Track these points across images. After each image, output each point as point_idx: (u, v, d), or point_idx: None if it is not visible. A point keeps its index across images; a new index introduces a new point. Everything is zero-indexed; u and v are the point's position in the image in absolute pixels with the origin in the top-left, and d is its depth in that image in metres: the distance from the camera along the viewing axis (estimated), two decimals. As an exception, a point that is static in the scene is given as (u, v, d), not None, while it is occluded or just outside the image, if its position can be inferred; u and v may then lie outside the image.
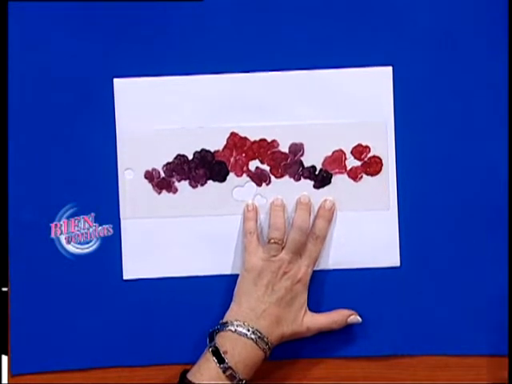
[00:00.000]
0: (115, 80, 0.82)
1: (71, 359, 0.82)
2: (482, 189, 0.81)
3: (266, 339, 0.76)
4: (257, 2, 0.82)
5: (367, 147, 0.82)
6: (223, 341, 0.75)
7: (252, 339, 0.75)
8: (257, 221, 0.81)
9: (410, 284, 0.81)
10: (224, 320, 0.78)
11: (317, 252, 0.80)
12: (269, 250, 0.79)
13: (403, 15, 0.82)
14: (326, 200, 0.81)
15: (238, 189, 0.82)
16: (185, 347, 0.82)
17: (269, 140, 0.82)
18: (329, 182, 0.82)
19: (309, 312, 0.80)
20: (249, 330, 0.76)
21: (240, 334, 0.76)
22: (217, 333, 0.77)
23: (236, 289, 0.79)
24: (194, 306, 0.82)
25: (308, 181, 0.82)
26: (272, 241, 0.79)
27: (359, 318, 0.80)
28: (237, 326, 0.76)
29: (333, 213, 0.81)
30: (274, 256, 0.78)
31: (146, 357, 0.82)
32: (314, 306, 0.81)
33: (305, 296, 0.79)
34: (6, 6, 0.83)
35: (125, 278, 0.82)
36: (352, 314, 0.80)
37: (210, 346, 0.76)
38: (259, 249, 0.79)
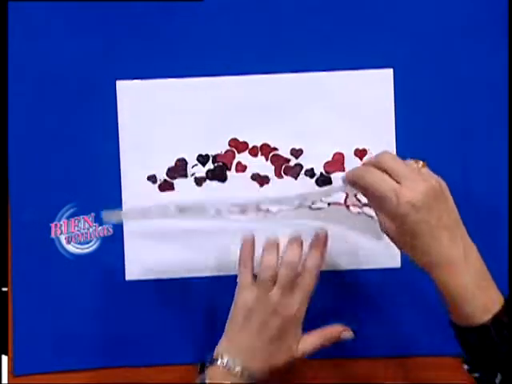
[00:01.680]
0: (118, 82, 0.82)
1: (73, 360, 0.83)
2: (482, 190, 0.82)
3: (255, 377, 0.74)
4: (257, 5, 0.83)
5: (368, 150, 0.82)
6: (213, 375, 0.73)
7: (242, 376, 0.73)
8: (252, 252, 0.78)
9: (410, 285, 0.82)
10: (215, 354, 0.75)
11: (310, 286, 0.76)
12: (261, 286, 0.75)
13: (404, 18, 0.83)
14: (320, 230, 0.78)
15: (239, 190, 0.83)
16: (187, 348, 0.82)
17: (269, 144, 0.82)
18: (330, 183, 0.82)
19: (302, 337, 0.77)
20: (239, 368, 0.73)
21: (229, 370, 0.73)
22: (207, 366, 0.75)
23: (227, 323, 0.77)
24: (197, 307, 0.83)
25: (309, 179, 0.83)
26: (264, 278, 0.76)
27: (352, 333, 0.77)
28: (227, 362, 0.74)
29: (326, 244, 0.77)
30: (266, 293, 0.75)
31: (148, 357, 0.83)
32: (316, 307, 0.81)
33: (299, 329, 0.76)
34: (6, 7, 0.83)
35: (127, 278, 0.83)
36: (344, 330, 0.77)
37: (201, 381, 0.74)
38: (252, 284, 0.76)
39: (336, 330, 0.77)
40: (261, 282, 0.75)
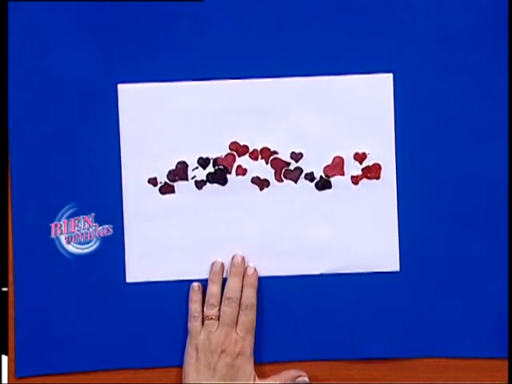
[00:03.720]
0: (119, 86, 0.82)
1: (74, 361, 0.83)
2: (482, 194, 0.82)
3: None
4: (258, 10, 0.83)
5: (368, 154, 0.83)
6: None
7: None
8: (202, 303, 0.81)
9: (409, 288, 0.82)
10: None
11: (250, 322, 0.80)
12: (207, 327, 0.80)
13: (404, 22, 0.83)
14: (247, 267, 0.82)
15: (239, 193, 0.83)
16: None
17: (269, 147, 0.83)
18: (329, 187, 0.83)
19: (258, 379, 0.80)
20: None
21: None
22: None
23: (183, 369, 0.81)
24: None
25: (308, 182, 0.83)
26: (209, 317, 0.80)
27: (307, 379, 0.81)
28: None
29: (256, 277, 0.82)
30: (212, 332, 0.79)
31: (150, 359, 0.83)
32: (315, 311, 0.83)
33: (250, 366, 0.80)
34: (6, 7, 0.83)
35: (128, 281, 0.83)
36: (300, 376, 0.81)
37: None
38: (201, 332, 0.80)
39: (291, 375, 0.81)
40: (207, 321, 0.79)
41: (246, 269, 0.82)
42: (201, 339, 0.79)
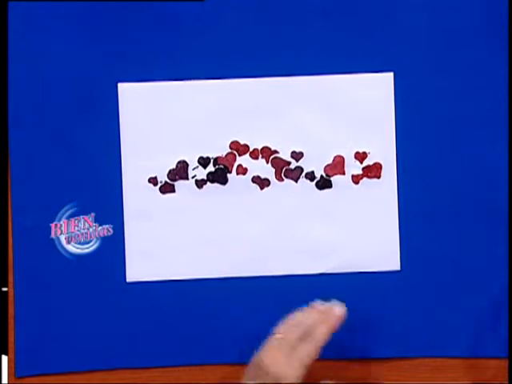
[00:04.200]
0: (119, 85, 0.83)
1: (74, 361, 0.83)
2: (483, 193, 0.82)
3: None
4: (258, 9, 0.83)
5: (368, 153, 0.83)
6: None
7: None
8: (296, 331, 0.75)
9: (410, 287, 0.82)
10: None
11: (308, 354, 0.73)
12: (268, 341, 0.75)
13: (404, 22, 0.83)
14: (336, 306, 0.77)
15: (239, 192, 0.83)
16: (188, 349, 0.83)
17: (270, 146, 0.83)
18: (330, 186, 0.83)
19: None
20: None
21: None
22: None
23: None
24: (198, 309, 0.83)
25: (309, 182, 0.83)
26: (278, 335, 0.75)
27: None
28: None
29: (339, 321, 0.76)
30: (268, 351, 0.74)
31: (149, 359, 0.83)
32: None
33: None
34: (6, 7, 0.83)
35: (128, 280, 0.83)
36: None
37: None
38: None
39: None
40: (270, 338, 0.75)
41: (333, 307, 0.77)
42: (263, 350, 0.74)
